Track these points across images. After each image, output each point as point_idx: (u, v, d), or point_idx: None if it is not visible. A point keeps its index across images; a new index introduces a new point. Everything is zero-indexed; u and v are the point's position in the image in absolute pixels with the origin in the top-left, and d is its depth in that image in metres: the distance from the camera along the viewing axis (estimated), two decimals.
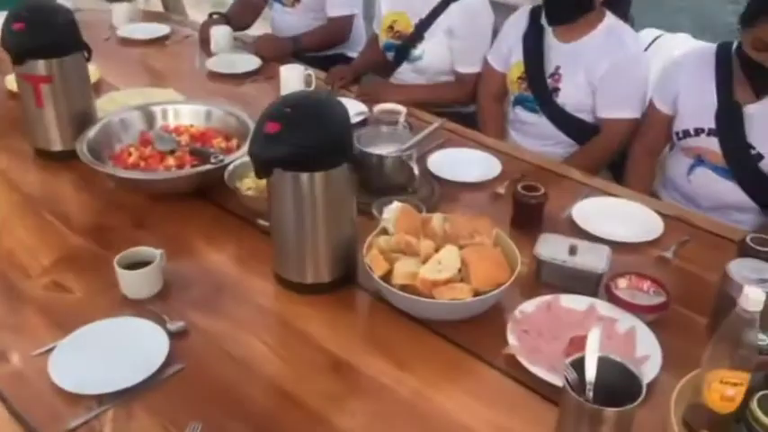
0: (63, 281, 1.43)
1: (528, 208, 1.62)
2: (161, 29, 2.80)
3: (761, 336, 1.11)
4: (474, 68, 2.26)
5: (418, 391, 1.20)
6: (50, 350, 1.23)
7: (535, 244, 1.46)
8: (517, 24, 2.13)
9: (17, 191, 1.74)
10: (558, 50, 2.01)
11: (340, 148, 1.29)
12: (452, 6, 2.23)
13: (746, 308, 1.01)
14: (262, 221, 1.61)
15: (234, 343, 1.30)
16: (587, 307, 1.36)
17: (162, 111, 1.91)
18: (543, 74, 2.02)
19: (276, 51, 2.55)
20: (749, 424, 1.06)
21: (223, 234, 1.61)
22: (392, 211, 1.44)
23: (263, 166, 1.26)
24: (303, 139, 1.24)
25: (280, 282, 1.44)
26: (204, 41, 2.68)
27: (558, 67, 2.01)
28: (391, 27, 2.39)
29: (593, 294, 1.40)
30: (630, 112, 1.96)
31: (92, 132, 1.77)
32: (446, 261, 1.28)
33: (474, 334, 1.31)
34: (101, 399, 1.15)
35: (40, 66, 1.73)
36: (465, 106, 2.37)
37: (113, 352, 1.24)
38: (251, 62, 2.50)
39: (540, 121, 2.09)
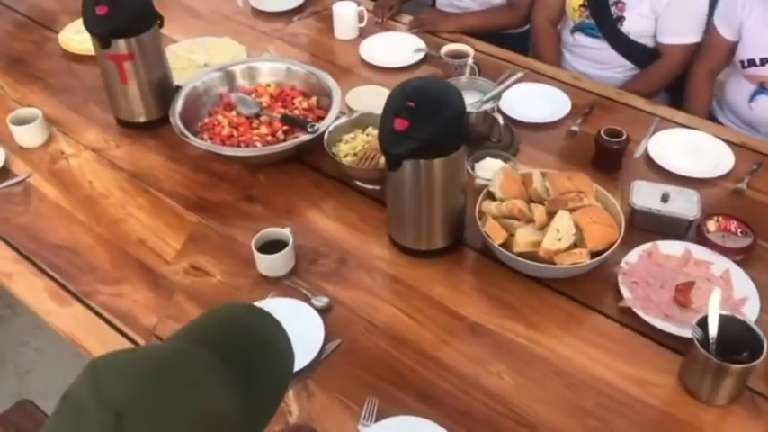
0: (199, 264, 1.55)
1: (611, 153, 1.73)
2: None
3: None
4: None
5: (551, 348, 1.36)
6: None
7: (630, 192, 1.58)
8: None
9: (117, 168, 1.81)
10: None
11: (460, 136, 1.38)
12: None
13: None
14: (362, 184, 1.72)
15: (375, 312, 1.44)
16: (683, 252, 1.50)
17: (241, 71, 1.94)
18: (607, 3, 2.04)
19: None
20: None
21: (328, 199, 1.71)
22: (495, 175, 1.55)
23: (394, 161, 1.35)
24: (430, 132, 1.32)
25: (395, 247, 1.57)
26: None
27: None
28: None
29: (684, 238, 1.55)
30: (693, 37, 2.02)
31: (179, 104, 1.81)
32: (563, 228, 1.40)
33: (588, 287, 1.46)
34: None
35: (123, 45, 1.75)
36: (516, 28, 2.40)
37: None
38: None
39: (601, 46, 2.14)
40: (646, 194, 1.58)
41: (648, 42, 2.09)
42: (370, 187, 1.73)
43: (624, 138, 1.71)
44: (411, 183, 1.42)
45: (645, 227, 1.56)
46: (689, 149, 1.79)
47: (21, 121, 1.85)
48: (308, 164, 1.79)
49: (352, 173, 1.71)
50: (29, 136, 1.85)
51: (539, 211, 1.44)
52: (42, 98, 2.04)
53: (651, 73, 2.10)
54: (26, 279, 1.54)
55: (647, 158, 1.79)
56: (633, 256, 1.49)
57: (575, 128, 1.89)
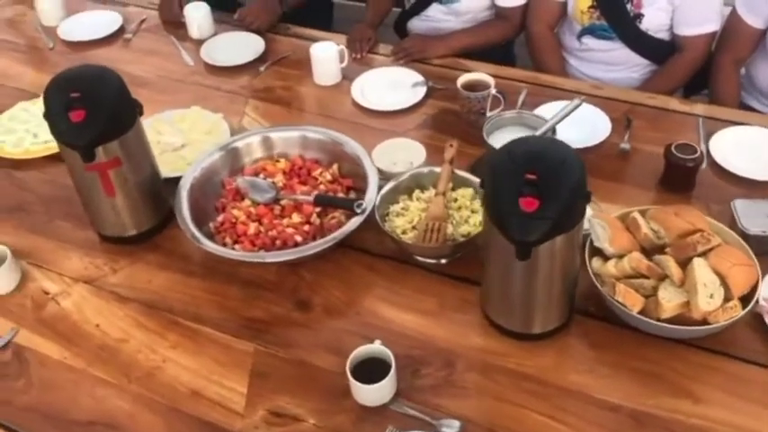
0: (280, 408, 1.25)
1: (685, 171, 1.57)
2: (108, 19, 2.34)
3: None
4: (520, 0, 2.06)
5: (731, 423, 1.17)
6: None
7: (736, 216, 1.43)
8: None
9: (124, 299, 1.46)
10: None
11: (586, 199, 1.16)
12: None
13: None
14: (424, 259, 1.48)
15: (517, 425, 1.20)
16: None
17: (245, 147, 1.63)
18: (621, 1, 1.88)
19: (271, 19, 2.21)
20: None
21: (391, 285, 1.45)
22: (596, 226, 1.35)
23: (524, 249, 1.11)
24: (561, 207, 1.09)
25: (498, 330, 1.34)
26: (172, 24, 2.29)
27: None
28: None
29: None
30: (713, 26, 1.89)
31: (184, 205, 1.49)
32: (709, 282, 1.22)
33: (734, 338, 1.28)
34: None
35: (107, 151, 1.40)
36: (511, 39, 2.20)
37: None
38: (251, 43, 2.16)
39: (614, 47, 1.98)
40: (753, 215, 1.42)
41: (665, 36, 1.95)
42: (434, 261, 1.48)
43: (698, 154, 1.55)
44: (527, 264, 1.19)
45: (762, 252, 1.41)
46: (751, 148, 1.67)
47: None
48: (351, 245, 1.52)
49: (418, 251, 1.46)
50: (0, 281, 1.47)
51: (673, 266, 1.25)
52: None
53: (673, 68, 1.96)
54: None
55: (713, 165, 1.65)
56: (766, 289, 1.34)
57: (624, 146, 1.72)
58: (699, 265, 1.24)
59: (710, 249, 1.27)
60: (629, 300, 1.24)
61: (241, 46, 2.14)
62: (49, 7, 2.35)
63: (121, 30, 2.30)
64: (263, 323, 1.40)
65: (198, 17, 2.20)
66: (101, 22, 2.31)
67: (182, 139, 1.78)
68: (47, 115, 1.37)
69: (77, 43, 2.26)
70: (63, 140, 1.37)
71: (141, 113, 1.49)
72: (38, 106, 1.94)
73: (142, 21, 2.35)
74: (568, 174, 1.11)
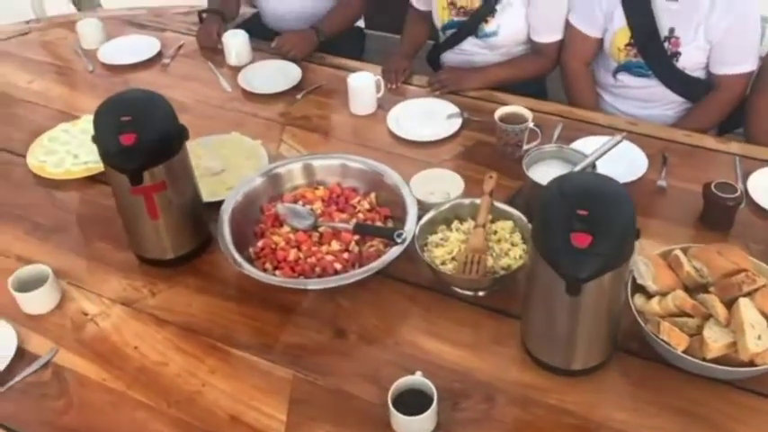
0: None
1: (725, 210, 1.56)
2: (146, 44, 2.38)
3: None
4: (556, 36, 2.08)
5: None
6: None
7: None
8: None
9: (163, 322, 1.46)
10: (668, 11, 1.87)
11: (636, 236, 1.16)
12: None
13: None
14: (463, 291, 1.48)
15: None
16: None
17: (287, 174, 1.65)
18: (659, 39, 1.89)
19: (308, 49, 2.25)
20: None
21: (431, 317, 1.45)
22: (639, 264, 1.35)
23: (575, 285, 1.11)
24: (614, 243, 1.10)
25: (538, 364, 1.33)
26: (209, 49, 2.33)
27: (672, 30, 1.88)
28: (452, 3, 2.13)
29: None
30: (749, 66, 1.89)
31: (226, 229, 1.50)
32: (756, 323, 1.21)
33: None
34: None
35: (153, 175, 1.42)
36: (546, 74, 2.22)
37: None
38: (287, 71, 2.18)
39: (649, 84, 1.98)
40: None
41: (701, 75, 1.96)
42: (471, 293, 1.48)
43: (738, 193, 1.55)
44: (574, 299, 1.19)
45: None
46: None
47: (26, 285, 1.47)
48: (389, 274, 1.52)
49: (457, 282, 1.46)
50: (40, 302, 1.48)
51: (719, 306, 1.24)
52: (34, 245, 1.65)
53: (709, 106, 1.96)
54: None
55: (752, 204, 1.65)
56: None
57: (661, 183, 1.72)
58: (745, 305, 1.23)
59: (756, 290, 1.27)
60: (674, 338, 1.23)
61: (278, 74, 2.17)
62: (90, 31, 2.40)
63: (159, 54, 2.34)
64: (302, 349, 1.40)
65: (236, 44, 2.23)
66: (139, 47, 2.35)
67: (221, 164, 1.80)
68: (96, 138, 1.39)
69: (116, 67, 2.30)
70: (113, 164, 1.39)
71: (187, 138, 1.51)
72: (78, 128, 1.99)
73: (180, 46, 2.39)
74: (619, 210, 1.12)
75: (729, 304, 1.26)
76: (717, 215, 1.58)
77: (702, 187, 1.59)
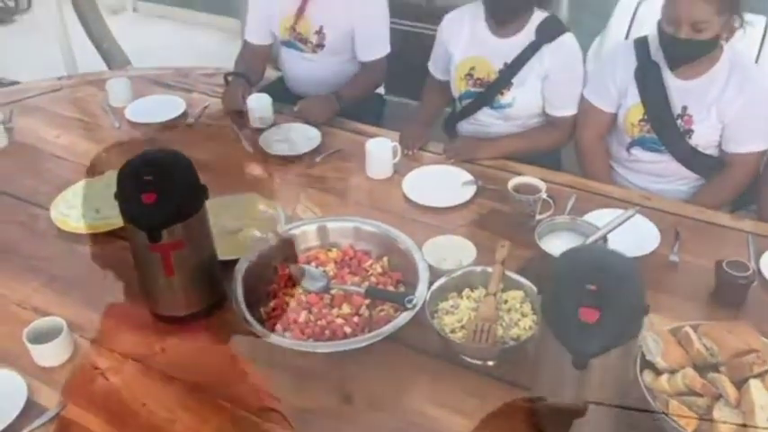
0: None
1: (737, 288, 1.57)
2: (173, 103, 2.46)
3: None
4: (571, 110, 2.13)
5: None
6: None
7: None
8: (622, 62, 2.00)
9: (171, 379, 1.47)
10: (681, 90, 1.92)
11: (644, 313, 1.17)
12: (545, 48, 2.07)
13: None
14: (472, 360, 1.48)
15: None
16: None
17: (302, 233, 1.69)
18: (671, 117, 1.93)
19: (329, 114, 2.31)
20: None
21: (441, 387, 1.44)
22: (649, 340, 1.35)
23: (582, 359, 1.11)
24: (622, 319, 1.10)
25: None
26: (234, 112, 2.39)
27: (685, 108, 1.92)
28: (470, 74, 2.20)
29: None
30: (762, 145, 1.93)
31: (239, 289, 1.53)
32: (766, 405, 1.20)
33: None
34: None
35: (172, 233, 1.46)
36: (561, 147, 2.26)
37: None
38: (309, 135, 2.24)
39: (662, 159, 2.02)
40: None
41: (715, 152, 1.99)
42: (480, 362, 1.48)
43: (750, 272, 1.56)
44: (581, 373, 1.18)
45: None
46: None
47: (40, 336, 1.50)
48: (400, 340, 1.52)
49: (466, 351, 1.46)
50: (53, 354, 1.50)
51: (729, 386, 1.24)
52: (51, 297, 1.68)
53: (721, 184, 1.99)
54: None
55: (764, 283, 1.65)
56: None
57: (674, 258, 1.73)
58: (756, 387, 1.23)
59: (767, 371, 1.26)
60: (683, 418, 1.22)
61: (298, 137, 2.23)
62: (118, 89, 2.48)
63: (185, 114, 2.42)
64: (308, 413, 1.40)
65: (260, 108, 2.30)
66: (165, 106, 2.43)
67: (238, 223, 1.84)
68: (119, 195, 1.44)
69: (142, 124, 2.37)
70: (133, 221, 1.43)
71: (207, 198, 1.54)
72: (103, 182, 2.04)
73: (205, 107, 2.47)
74: (629, 286, 1.13)
75: (739, 385, 1.25)
76: (728, 293, 1.58)
77: (714, 264, 1.59)
